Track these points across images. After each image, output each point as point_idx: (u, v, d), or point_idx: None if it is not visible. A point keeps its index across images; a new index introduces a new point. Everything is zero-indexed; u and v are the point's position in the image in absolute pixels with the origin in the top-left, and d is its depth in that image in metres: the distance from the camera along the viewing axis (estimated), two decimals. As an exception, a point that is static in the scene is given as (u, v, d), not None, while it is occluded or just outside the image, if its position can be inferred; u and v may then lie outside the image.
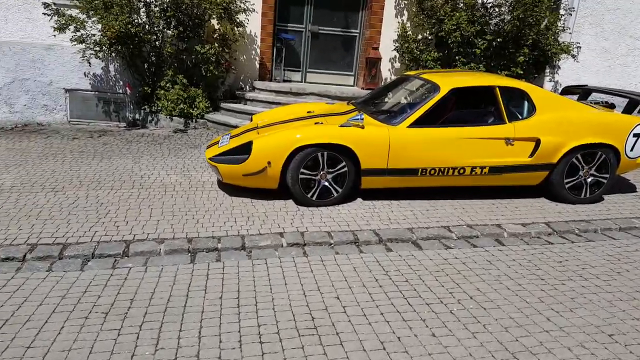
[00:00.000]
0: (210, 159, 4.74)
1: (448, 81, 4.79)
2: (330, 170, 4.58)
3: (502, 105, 4.75)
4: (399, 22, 8.76)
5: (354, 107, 5.36)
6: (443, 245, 4.00)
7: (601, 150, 4.86)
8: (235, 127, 7.38)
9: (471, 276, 3.52)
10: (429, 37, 8.54)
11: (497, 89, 4.78)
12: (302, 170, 4.49)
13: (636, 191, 5.51)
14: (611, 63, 9.30)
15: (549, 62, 8.41)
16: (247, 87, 8.87)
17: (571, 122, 4.81)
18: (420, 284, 3.36)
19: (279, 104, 7.87)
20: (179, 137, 7.21)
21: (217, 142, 5.13)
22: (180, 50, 7.99)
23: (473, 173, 4.74)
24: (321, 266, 3.56)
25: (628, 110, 5.23)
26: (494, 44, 7.88)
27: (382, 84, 9.15)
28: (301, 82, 9.26)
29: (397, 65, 9.09)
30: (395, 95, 5.42)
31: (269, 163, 4.48)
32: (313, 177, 4.57)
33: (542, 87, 8.60)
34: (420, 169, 4.65)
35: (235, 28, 8.14)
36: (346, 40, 9.25)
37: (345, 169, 4.57)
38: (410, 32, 8.45)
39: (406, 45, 8.36)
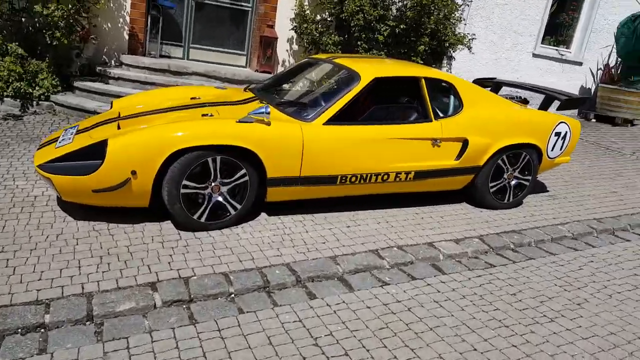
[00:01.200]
0: (40, 166, 3.05)
1: (369, 69, 3.64)
2: (226, 180, 3.19)
3: (428, 100, 3.74)
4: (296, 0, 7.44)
5: (253, 96, 3.97)
6: (377, 280, 2.89)
7: (525, 151, 4.13)
8: (94, 113, 5.52)
9: (424, 332, 2.45)
10: (329, 19, 7.35)
11: (423, 81, 3.75)
12: (184, 182, 3.04)
13: (548, 190, 4.97)
14: (498, 56, 9.00)
15: (445, 52, 7.76)
16: (113, 62, 6.89)
17: (499, 121, 3.97)
18: (364, 355, 2.21)
19: (153, 84, 6.13)
20: (10, 127, 5.13)
21: (55, 140, 3.41)
22: (17, 10, 5.79)
23: (397, 179, 3.69)
24: (218, 341, 2.21)
25: (544, 106, 4.58)
26: (397, 30, 6.95)
27: (279, 66, 7.79)
28: (183, 59, 7.49)
29: (295, 47, 7.77)
30: (303, 82, 4.15)
31: (133, 173, 2.95)
32: (201, 191, 3.15)
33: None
34: (339, 177, 3.47)
35: (96, -14, 6.12)
36: (237, 15, 7.65)
37: (246, 178, 3.22)
38: (308, 12, 7.19)
39: (305, 25, 7.09)
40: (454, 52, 7.74)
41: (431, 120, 3.73)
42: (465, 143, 3.81)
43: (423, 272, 3.07)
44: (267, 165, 3.20)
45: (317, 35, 6.97)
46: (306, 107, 3.57)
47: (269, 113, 3.11)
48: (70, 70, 6.47)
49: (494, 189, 4.12)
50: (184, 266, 2.74)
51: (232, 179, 3.20)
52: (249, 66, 7.87)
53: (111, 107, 4.08)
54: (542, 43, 9.30)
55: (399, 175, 3.66)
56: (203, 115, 3.44)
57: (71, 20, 5.90)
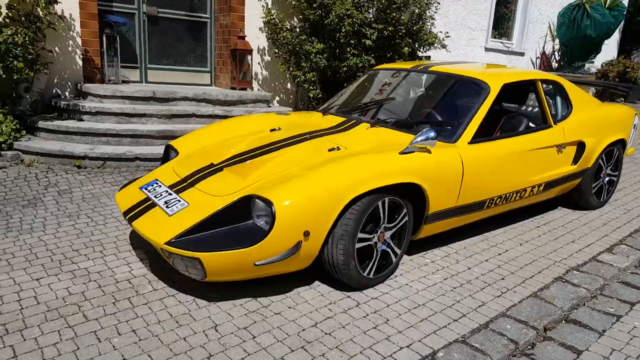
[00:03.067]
0: (170, 243, 2.38)
1: (493, 76, 3.40)
2: (389, 225, 2.81)
3: (546, 104, 3.69)
4: (263, 6, 7.02)
5: (344, 119, 3.56)
6: (608, 315, 2.72)
7: (617, 147, 4.28)
8: (85, 158, 4.66)
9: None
10: (305, 25, 7.05)
11: (539, 83, 3.68)
12: (359, 235, 2.61)
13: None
14: (457, 52, 9.40)
15: (416, 52, 7.85)
16: (67, 93, 5.89)
17: (601, 119, 4.02)
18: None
19: (143, 116, 5.33)
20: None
21: (139, 205, 2.75)
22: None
23: (530, 193, 3.58)
24: None
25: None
26: (386, 33, 6.87)
27: (256, 81, 7.30)
28: (141, 82, 6.69)
29: (268, 58, 7.33)
30: (397, 96, 3.83)
31: (306, 234, 2.45)
32: (370, 242, 2.74)
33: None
34: (487, 201, 3.26)
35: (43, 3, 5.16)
36: (195, 27, 7.00)
37: (406, 218, 2.87)
38: (276, 19, 6.82)
39: (282, 34, 6.70)
40: (427, 50, 7.86)
41: (551, 126, 3.68)
42: (580, 146, 3.83)
43: (630, 295, 2.93)
44: (430, 199, 2.87)
45: (297, 43, 6.63)
46: (439, 125, 3.30)
47: (435, 139, 2.80)
48: (21, 108, 5.40)
49: (595, 189, 4.22)
50: (401, 341, 2.33)
51: (395, 222, 2.83)
52: (215, 84, 7.27)
53: (172, 152, 3.42)
54: (491, 37, 9.97)
55: (533, 189, 3.56)
56: (330, 150, 3.01)
57: (29, 47, 4.93)
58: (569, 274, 3.07)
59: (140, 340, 2.24)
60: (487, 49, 9.71)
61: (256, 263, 2.39)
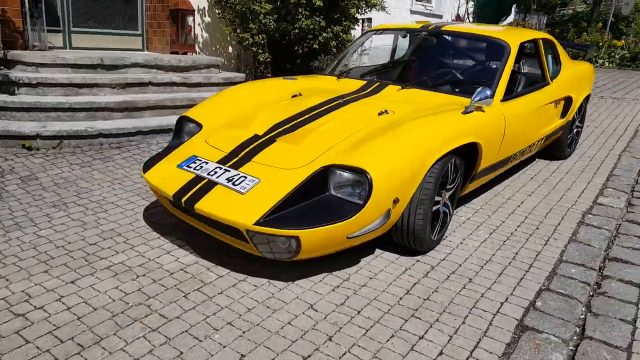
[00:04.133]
0: (260, 223, 2.17)
1: (510, 35, 3.45)
2: (449, 186, 2.81)
3: (545, 63, 3.89)
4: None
5: (366, 82, 3.44)
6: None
7: (585, 101, 4.70)
8: (36, 137, 4.03)
9: None
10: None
11: (540, 42, 3.86)
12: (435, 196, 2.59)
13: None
14: (387, 15, 9.56)
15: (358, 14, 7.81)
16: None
17: (580, 75, 4.34)
18: None
19: (95, 86, 4.69)
20: None
21: (192, 187, 2.45)
22: None
23: (536, 147, 3.81)
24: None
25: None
26: (335, -6, 6.70)
27: (198, 46, 6.76)
28: (65, 47, 5.87)
29: (208, 19, 6.81)
30: (422, 58, 3.75)
31: (395, 202, 2.37)
32: (438, 205, 2.73)
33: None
34: (512, 155, 3.40)
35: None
36: (123, -15, 6.29)
37: (461, 178, 2.90)
38: None
39: (226, -8, 6.26)
40: (368, 12, 7.84)
41: (549, 83, 3.91)
42: (568, 100, 4.12)
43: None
44: (483, 157, 2.92)
45: (244, 3, 6.21)
46: (469, 85, 3.32)
47: (492, 97, 2.82)
48: None
49: (569, 140, 4.61)
50: (497, 297, 2.39)
51: (455, 182, 2.85)
52: (148, 49, 6.65)
53: (189, 124, 3.04)
54: (415, 0, 10.32)
55: (539, 142, 3.78)
56: (380, 113, 2.89)
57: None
58: (586, 218, 3.36)
59: (244, 332, 2.04)
60: (412, 12, 10.03)
61: (349, 235, 2.27)
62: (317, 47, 6.78)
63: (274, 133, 2.72)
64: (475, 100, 2.77)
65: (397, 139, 2.42)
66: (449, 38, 3.78)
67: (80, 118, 4.40)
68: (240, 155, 2.57)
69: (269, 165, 2.45)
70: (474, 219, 3.26)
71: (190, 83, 5.35)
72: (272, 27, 6.30)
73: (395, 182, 2.30)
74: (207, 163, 2.58)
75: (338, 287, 2.40)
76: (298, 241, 2.17)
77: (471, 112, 2.78)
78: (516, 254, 2.81)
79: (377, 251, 2.77)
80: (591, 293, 2.48)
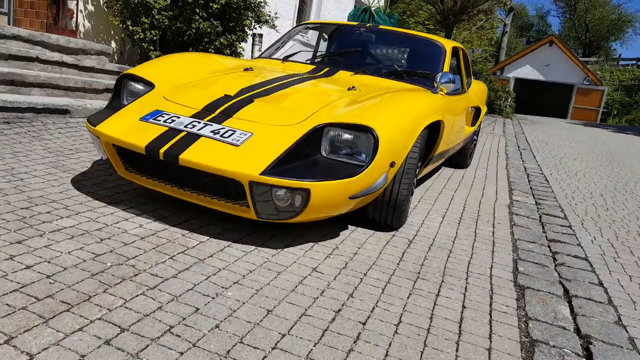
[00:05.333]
0: (267, 173, 1.98)
1: (443, 40, 3.73)
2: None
3: (464, 71, 4.30)
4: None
5: (315, 67, 3.41)
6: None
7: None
8: None
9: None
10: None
11: (461, 52, 4.26)
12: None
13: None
14: (273, 34, 9.80)
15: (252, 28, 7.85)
16: None
17: (479, 90, 4.86)
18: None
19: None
20: None
21: (169, 139, 2.14)
22: None
23: (454, 150, 4.15)
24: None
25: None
26: (233, 3, 6.62)
27: (79, 35, 6.08)
28: None
29: (91, 8, 6.21)
30: (364, 50, 3.81)
31: (392, 165, 2.35)
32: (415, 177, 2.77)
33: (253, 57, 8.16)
34: (450, 148, 3.65)
35: None
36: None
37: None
38: None
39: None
40: (260, 28, 7.90)
41: (465, 91, 4.32)
42: (477, 111, 4.61)
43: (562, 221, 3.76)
44: (442, 139, 3.07)
45: None
46: (416, 77, 3.47)
47: (454, 82, 3.00)
48: None
49: (471, 150, 5.11)
50: (484, 264, 2.51)
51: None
52: (15, 24, 5.84)
53: (137, 82, 2.67)
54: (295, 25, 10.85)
55: (457, 145, 4.12)
56: (349, 89, 2.88)
57: None
58: (512, 209, 3.73)
59: (257, 290, 1.82)
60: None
61: (351, 196, 2.20)
62: (212, 51, 6.61)
63: (248, 94, 2.55)
64: (440, 82, 2.95)
65: (397, 102, 2.46)
66: (386, 35, 4.01)
67: (-48, 85, 3.61)
68: (217, 112, 2.35)
69: (257, 121, 2.28)
70: (421, 206, 3.40)
71: (82, 66, 4.79)
72: (165, 24, 5.98)
73: (393, 144, 2.31)
74: (178, 117, 2.30)
75: (331, 254, 2.29)
76: (307, 195, 2.03)
77: (437, 93, 2.94)
78: (475, 233, 2.99)
79: (351, 227, 2.71)
80: (556, 264, 2.73)
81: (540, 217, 3.66)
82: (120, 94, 2.70)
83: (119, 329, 1.44)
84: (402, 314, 1.83)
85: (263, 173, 1.98)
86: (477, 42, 21.91)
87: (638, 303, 2.31)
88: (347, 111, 2.38)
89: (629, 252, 3.08)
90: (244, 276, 1.91)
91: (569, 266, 2.69)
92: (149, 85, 2.66)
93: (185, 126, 2.22)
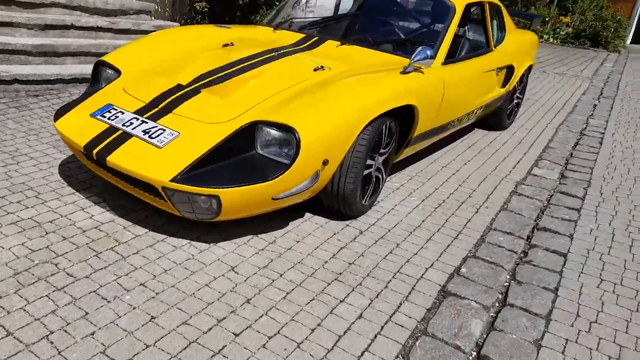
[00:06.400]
0: (178, 180, 2.10)
1: None
2: (383, 150, 2.83)
3: (490, 28, 3.93)
4: None
5: (305, 35, 3.36)
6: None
7: (527, 70, 4.82)
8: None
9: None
10: None
11: (487, 6, 3.89)
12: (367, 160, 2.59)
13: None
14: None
15: None
16: None
17: (520, 44, 4.42)
18: None
19: (9, 25, 4.34)
20: None
21: (104, 139, 2.32)
22: None
23: (474, 115, 3.89)
24: None
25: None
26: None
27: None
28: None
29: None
30: (364, 15, 3.67)
31: (325, 163, 2.35)
32: (370, 169, 2.73)
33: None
34: (450, 122, 3.45)
35: None
36: None
37: (394, 143, 2.92)
38: None
39: None
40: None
41: (492, 49, 3.97)
42: (510, 69, 4.22)
43: (573, 202, 3.46)
44: (419, 121, 2.93)
45: None
46: (410, 45, 3.30)
47: (433, 57, 2.82)
48: None
49: (508, 111, 4.74)
50: (423, 262, 2.45)
51: (388, 147, 2.86)
52: None
53: (109, 70, 2.87)
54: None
55: (477, 110, 3.86)
56: (315, 69, 2.84)
57: None
58: (518, 188, 3.50)
59: (157, 294, 2.00)
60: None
61: (274, 197, 2.25)
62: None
63: (199, 84, 2.62)
64: (414, 60, 2.77)
65: (329, 97, 2.40)
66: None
67: (-11, 60, 4.07)
68: (160, 106, 2.47)
69: (191, 118, 2.37)
70: (407, 185, 3.32)
71: (117, 29, 5.07)
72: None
73: (324, 143, 2.28)
74: (123, 113, 2.46)
75: (263, 249, 2.39)
76: (219, 201, 2.13)
77: (410, 72, 2.78)
78: (446, 221, 2.89)
79: (307, 215, 2.77)
80: (517, 261, 2.59)
81: (549, 197, 3.40)
82: (97, 80, 2.92)
83: (5, 333, 1.71)
84: (286, 324, 1.92)
85: (173, 180, 2.10)
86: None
87: (582, 318, 2.16)
88: (281, 106, 2.37)
89: (626, 248, 2.80)
90: (155, 277, 2.10)
91: (534, 265, 2.55)
92: (118, 71, 2.83)
93: (124, 124, 2.38)
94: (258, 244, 2.43)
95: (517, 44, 4.33)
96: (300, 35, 3.38)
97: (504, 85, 4.20)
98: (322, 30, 3.56)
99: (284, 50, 3.09)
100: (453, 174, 3.60)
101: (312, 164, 2.28)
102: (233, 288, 2.09)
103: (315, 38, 3.31)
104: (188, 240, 2.38)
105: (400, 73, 2.74)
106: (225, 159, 2.25)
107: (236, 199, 2.16)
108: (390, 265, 2.38)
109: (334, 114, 2.33)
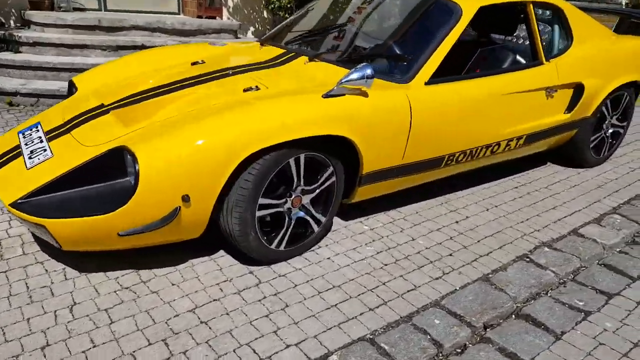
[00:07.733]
0: (15, 205, 1.97)
1: None
2: (308, 187, 2.32)
3: (537, 35, 3.03)
4: None
5: (284, 51, 3.01)
6: (572, 310, 2.24)
7: (627, 91, 3.61)
8: (16, 94, 4.23)
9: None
10: None
11: (531, 7, 3.01)
12: (260, 200, 2.15)
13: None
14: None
15: None
16: (12, 22, 5.41)
17: (609, 55, 3.33)
18: None
19: (85, 47, 4.82)
20: None
21: (10, 152, 2.32)
22: None
23: (507, 148, 3.02)
24: None
25: (624, 30, 4.09)
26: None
27: (226, 9, 6.64)
28: (100, 10, 6.11)
29: (235, -24, 6.63)
30: (352, 23, 3.21)
31: (185, 199, 1.99)
32: (279, 209, 2.27)
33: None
34: (447, 157, 2.72)
35: None
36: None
37: (334, 178, 2.37)
38: None
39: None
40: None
41: (542, 63, 3.04)
42: (578, 89, 3.19)
43: (609, 283, 2.36)
44: (365, 156, 2.35)
45: None
46: (391, 60, 2.71)
47: (372, 77, 2.24)
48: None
49: (594, 143, 3.61)
50: (292, 336, 1.89)
51: (317, 183, 2.34)
52: (183, 12, 6.63)
53: (74, 89, 2.94)
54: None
55: (510, 142, 2.99)
56: (245, 90, 2.48)
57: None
58: (537, 250, 2.57)
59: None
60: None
61: (120, 233, 1.95)
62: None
63: (118, 104, 2.47)
64: (344, 80, 2.20)
65: (196, 124, 2.03)
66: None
67: (64, 78, 4.54)
68: (67, 126, 2.39)
69: (77, 140, 2.22)
70: (380, 230, 2.69)
71: (191, 48, 5.24)
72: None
73: (178, 176, 1.92)
74: (38, 131, 2.43)
75: (126, 289, 2.13)
76: (49, 231, 1.92)
77: (340, 95, 2.22)
78: (383, 284, 2.24)
79: (219, 253, 2.40)
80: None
81: (576, 270, 2.43)
82: (69, 97, 2.99)
83: None
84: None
85: (13, 204, 1.98)
86: None
87: None
88: (151, 132, 2.08)
89: None
90: (-11, 303, 1.99)
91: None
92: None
93: (28, 143, 2.35)
94: (129, 281, 2.17)
95: (598, 55, 3.25)
96: (279, 51, 3.01)
97: (569, 109, 3.18)
98: (307, 44, 3.11)
99: (243, 68, 2.77)
100: (456, 222, 2.82)
101: (164, 198, 1.94)
102: (46, 329, 1.87)
103: (292, 54, 2.92)
104: (64, 266, 2.23)
105: (323, 96, 2.19)
106: (88, 184, 2.04)
107: (67, 231, 1.93)
108: (247, 333, 1.90)
109: (190, 145, 1.95)
